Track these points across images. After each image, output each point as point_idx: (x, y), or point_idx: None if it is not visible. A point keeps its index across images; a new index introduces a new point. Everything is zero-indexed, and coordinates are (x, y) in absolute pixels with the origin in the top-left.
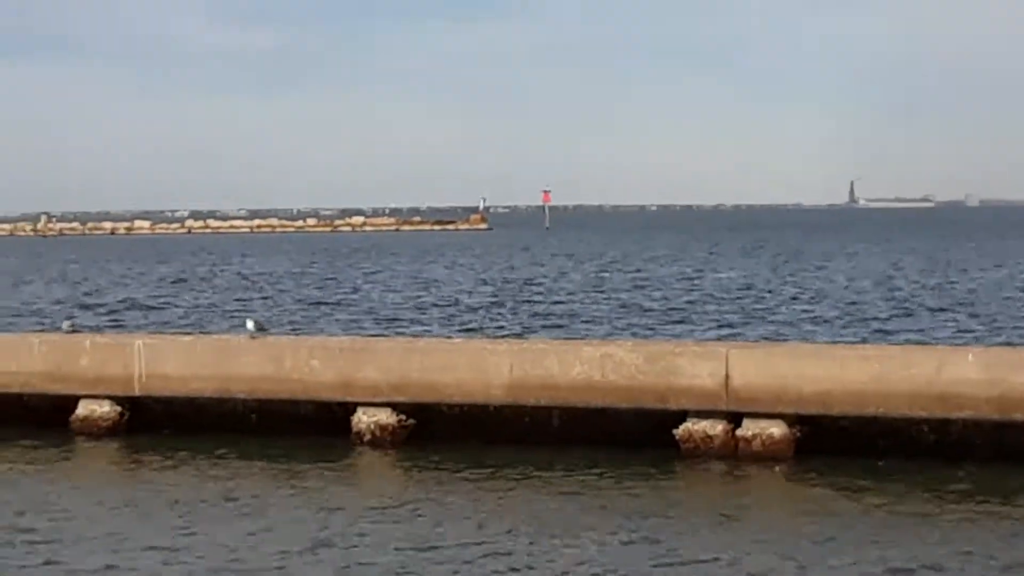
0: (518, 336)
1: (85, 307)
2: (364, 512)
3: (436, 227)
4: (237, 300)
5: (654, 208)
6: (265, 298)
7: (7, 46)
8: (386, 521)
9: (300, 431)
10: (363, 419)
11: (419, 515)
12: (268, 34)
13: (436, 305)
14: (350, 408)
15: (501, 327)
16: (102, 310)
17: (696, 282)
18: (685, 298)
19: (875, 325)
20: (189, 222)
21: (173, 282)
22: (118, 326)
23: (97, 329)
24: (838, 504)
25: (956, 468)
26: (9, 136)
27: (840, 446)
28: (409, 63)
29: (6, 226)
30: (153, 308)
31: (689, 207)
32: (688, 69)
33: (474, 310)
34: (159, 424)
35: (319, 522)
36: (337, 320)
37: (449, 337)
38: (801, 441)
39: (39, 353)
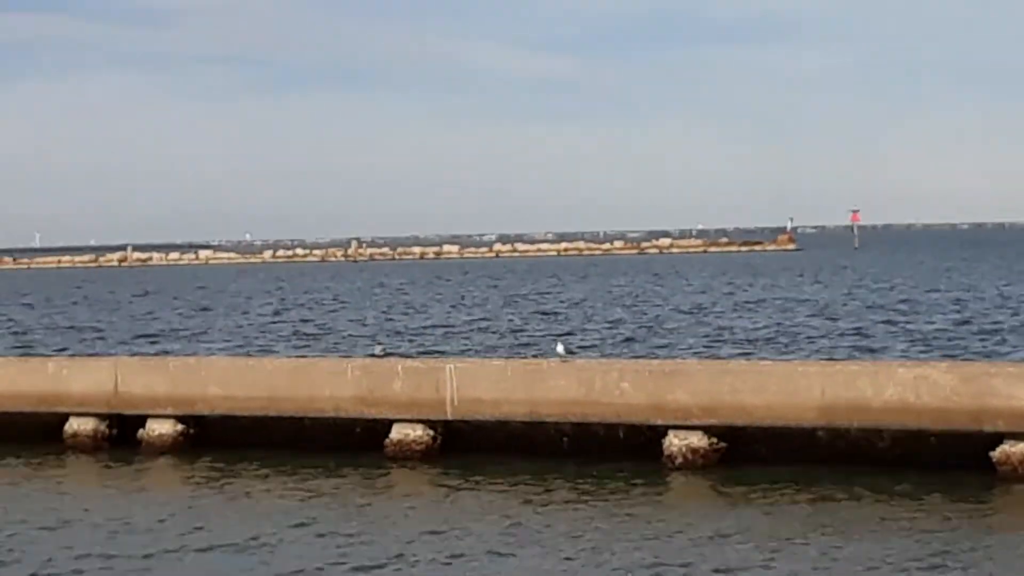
0: (829, 358)
1: (396, 332)
2: (693, 540)
3: (743, 248)
4: (542, 322)
5: (965, 227)
6: (569, 320)
7: (309, 78)
8: (710, 547)
9: (610, 454)
10: (674, 442)
11: (748, 542)
12: (567, 62)
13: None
14: (660, 431)
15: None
16: (412, 334)
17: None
18: (999, 318)
19: None
20: (497, 246)
21: (471, 305)
22: (429, 351)
23: (408, 353)
24: None
25: None
26: (319, 164)
27: None
28: (700, 87)
29: (318, 252)
30: (459, 332)
31: (1001, 225)
32: (992, 90)
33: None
34: (471, 447)
35: (649, 549)
36: (644, 343)
37: (763, 359)
38: None
39: (352, 378)
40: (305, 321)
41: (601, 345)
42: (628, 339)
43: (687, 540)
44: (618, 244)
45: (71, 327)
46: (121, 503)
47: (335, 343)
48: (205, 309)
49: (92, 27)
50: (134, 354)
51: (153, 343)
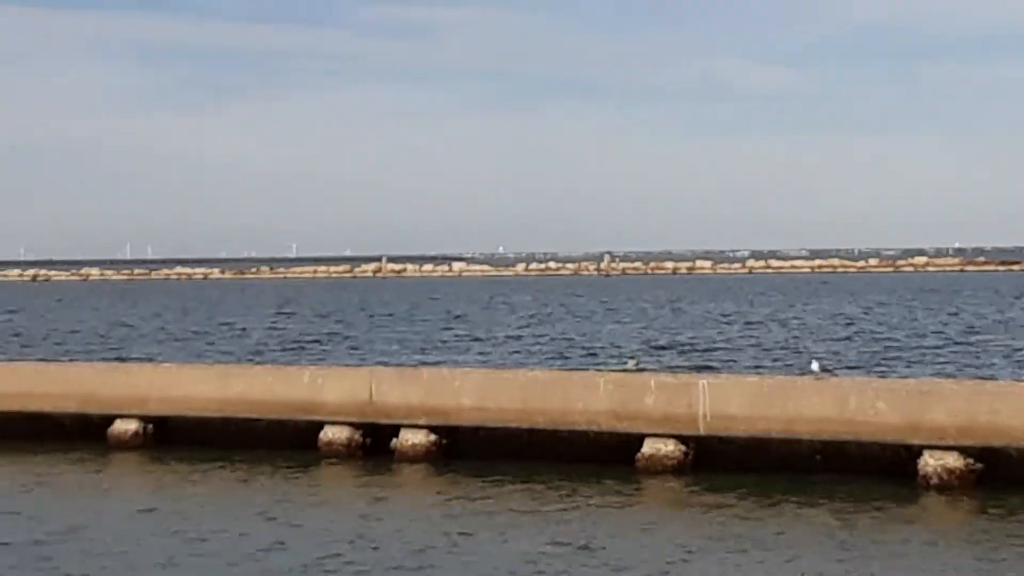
0: None
1: (659, 347)
2: (956, 566)
3: (1001, 268)
4: (794, 340)
5: None
6: (823, 339)
7: (563, 92)
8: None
9: (863, 473)
10: (930, 462)
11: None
12: (807, 75)
13: None
14: (915, 451)
15: None
16: (670, 349)
17: None
18: None
19: None
20: (750, 262)
21: (724, 322)
22: (682, 367)
23: (662, 368)
24: None
25: None
26: (572, 177)
27: None
28: (952, 103)
29: (570, 265)
30: (717, 348)
31: None
32: None
33: None
34: (723, 464)
35: (911, 571)
36: (900, 359)
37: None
38: None
39: (605, 392)
40: (555, 339)
41: (864, 364)
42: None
43: (947, 561)
44: (872, 262)
45: (331, 334)
46: (373, 511)
47: (588, 357)
48: (458, 317)
49: (356, 40)
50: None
51: (408, 354)
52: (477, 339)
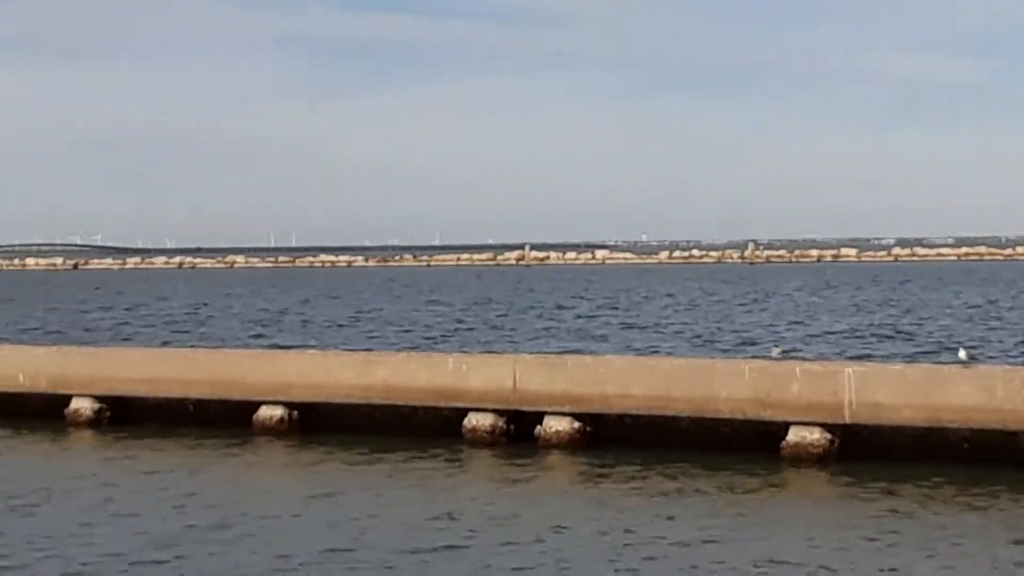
0: None
1: (806, 335)
2: None
3: None
4: (941, 328)
5: None
6: (981, 325)
7: (700, 81)
8: None
9: (1011, 462)
10: None
11: None
12: (965, 63)
13: None
14: None
15: None
16: (815, 338)
17: None
18: None
19: None
20: (896, 250)
21: (869, 310)
22: (829, 355)
23: (808, 356)
24: None
25: None
26: (714, 165)
27: None
28: None
29: (714, 253)
30: (862, 336)
31: None
32: None
33: None
34: (868, 452)
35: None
36: None
37: None
38: None
39: (749, 379)
40: (699, 326)
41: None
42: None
43: None
44: (1020, 250)
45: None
46: (517, 499)
47: (732, 345)
48: (602, 304)
49: (498, 29)
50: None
51: (552, 341)
52: (627, 326)
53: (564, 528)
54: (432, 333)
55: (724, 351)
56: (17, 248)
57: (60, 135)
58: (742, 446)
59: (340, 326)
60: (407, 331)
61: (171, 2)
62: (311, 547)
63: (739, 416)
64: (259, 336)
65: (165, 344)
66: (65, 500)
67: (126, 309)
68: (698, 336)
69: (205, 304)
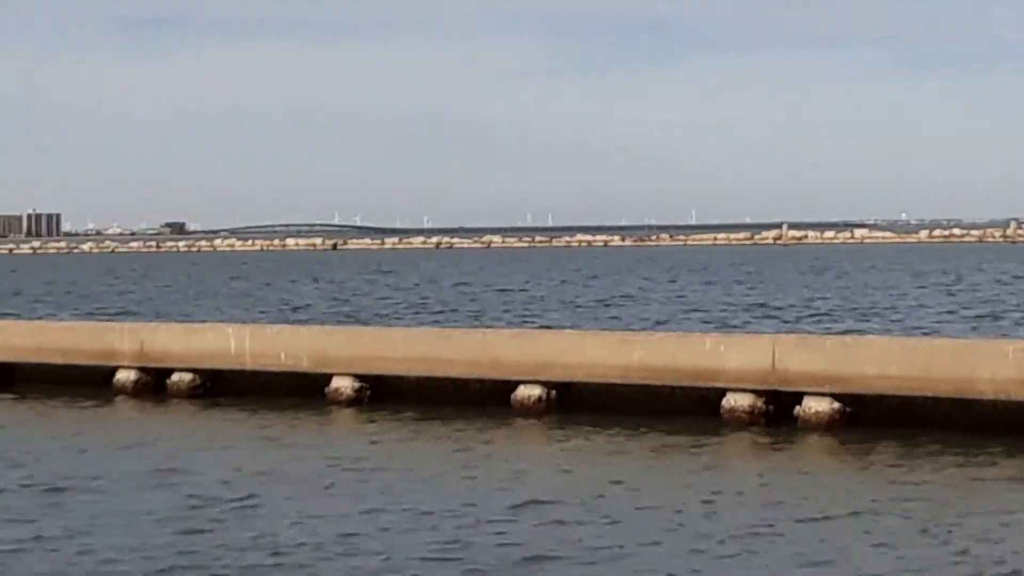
0: None
1: None
2: None
3: None
4: None
5: None
6: None
7: (958, 58)
8: None
9: None
10: None
11: None
12: None
13: None
14: None
15: None
16: None
17: None
18: None
19: None
20: None
21: None
22: None
23: None
24: None
25: None
26: (970, 146)
27: None
28: None
29: (975, 232)
30: None
31: None
32: None
33: None
34: None
35: None
36: None
37: None
38: None
39: (1014, 359)
40: (959, 305)
41: None
42: None
43: None
44: None
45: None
46: (776, 480)
47: (997, 323)
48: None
49: (753, 6)
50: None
51: (817, 321)
52: (890, 308)
53: (836, 511)
54: (687, 314)
55: (988, 331)
56: (278, 229)
57: (321, 115)
58: (1008, 429)
59: (598, 306)
60: (663, 309)
61: None
62: (591, 536)
63: (1002, 397)
64: (523, 317)
65: (435, 323)
66: (347, 484)
67: (392, 288)
68: (960, 315)
69: (465, 284)
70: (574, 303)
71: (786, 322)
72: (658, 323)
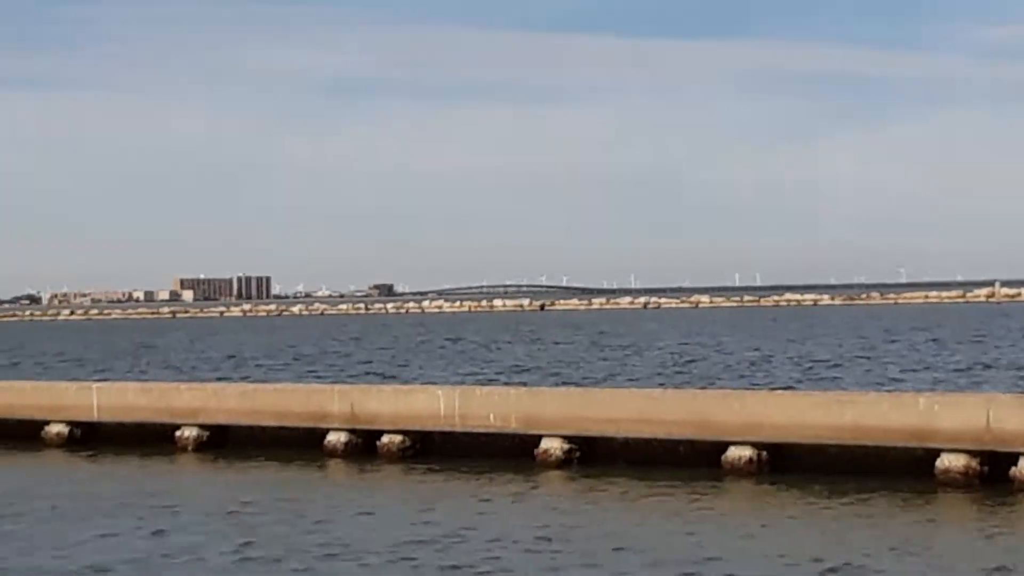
0: None
1: None
2: None
3: None
4: None
5: None
6: None
7: None
8: None
9: None
10: None
11: None
12: None
13: None
14: None
15: None
16: None
17: None
18: None
19: None
20: None
21: None
22: None
23: None
24: None
25: None
26: None
27: None
28: None
29: None
30: None
31: None
32: None
33: None
34: None
35: None
36: None
37: None
38: None
39: None
40: None
41: None
42: None
43: None
44: None
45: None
46: (1007, 543)
47: None
48: None
49: (964, 64)
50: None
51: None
52: None
53: None
54: (896, 374)
55: None
56: (486, 290)
57: (527, 175)
58: None
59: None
60: (871, 369)
61: (643, 47)
62: None
63: None
64: (741, 376)
65: (660, 385)
66: (571, 543)
67: (620, 347)
68: None
69: (684, 344)
70: (797, 362)
71: (1002, 382)
72: (873, 384)
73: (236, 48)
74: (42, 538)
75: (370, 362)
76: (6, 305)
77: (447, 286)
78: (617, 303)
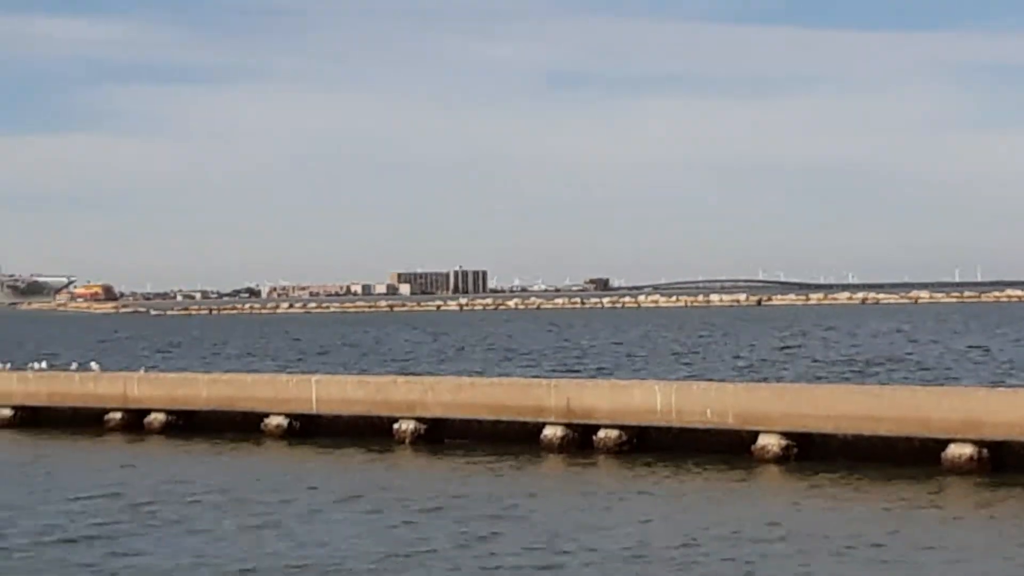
0: None
1: None
2: None
3: None
4: None
5: None
6: None
7: None
8: None
9: None
10: None
11: None
12: None
13: None
14: None
15: None
16: None
17: None
18: None
19: None
20: None
21: None
22: None
23: None
24: None
25: None
26: None
27: None
28: None
29: None
30: None
31: None
32: None
33: None
34: None
35: None
36: None
37: None
38: None
39: None
40: None
41: None
42: None
43: None
44: None
45: None
46: None
47: None
48: None
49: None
50: None
51: None
52: None
53: None
54: None
55: None
56: (702, 284)
57: (745, 169)
58: None
59: None
60: None
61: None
62: None
63: None
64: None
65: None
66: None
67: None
68: None
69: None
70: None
71: None
72: None
73: (442, 40)
74: (303, 533)
75: (583, 356)
76: (227, 298)
77: (663, 280)
78: (835, 299)
